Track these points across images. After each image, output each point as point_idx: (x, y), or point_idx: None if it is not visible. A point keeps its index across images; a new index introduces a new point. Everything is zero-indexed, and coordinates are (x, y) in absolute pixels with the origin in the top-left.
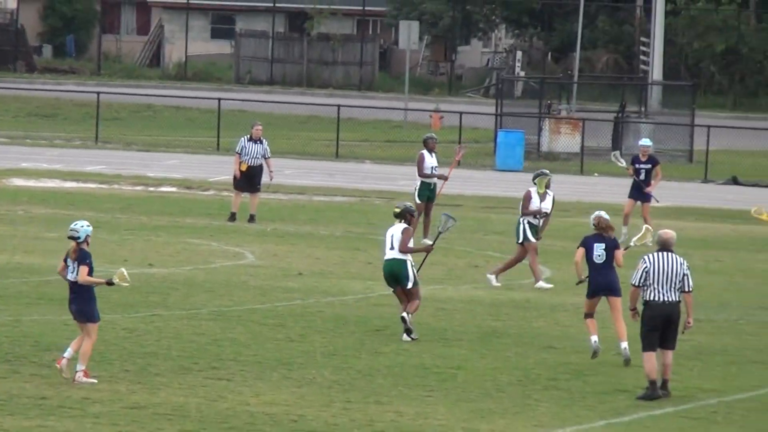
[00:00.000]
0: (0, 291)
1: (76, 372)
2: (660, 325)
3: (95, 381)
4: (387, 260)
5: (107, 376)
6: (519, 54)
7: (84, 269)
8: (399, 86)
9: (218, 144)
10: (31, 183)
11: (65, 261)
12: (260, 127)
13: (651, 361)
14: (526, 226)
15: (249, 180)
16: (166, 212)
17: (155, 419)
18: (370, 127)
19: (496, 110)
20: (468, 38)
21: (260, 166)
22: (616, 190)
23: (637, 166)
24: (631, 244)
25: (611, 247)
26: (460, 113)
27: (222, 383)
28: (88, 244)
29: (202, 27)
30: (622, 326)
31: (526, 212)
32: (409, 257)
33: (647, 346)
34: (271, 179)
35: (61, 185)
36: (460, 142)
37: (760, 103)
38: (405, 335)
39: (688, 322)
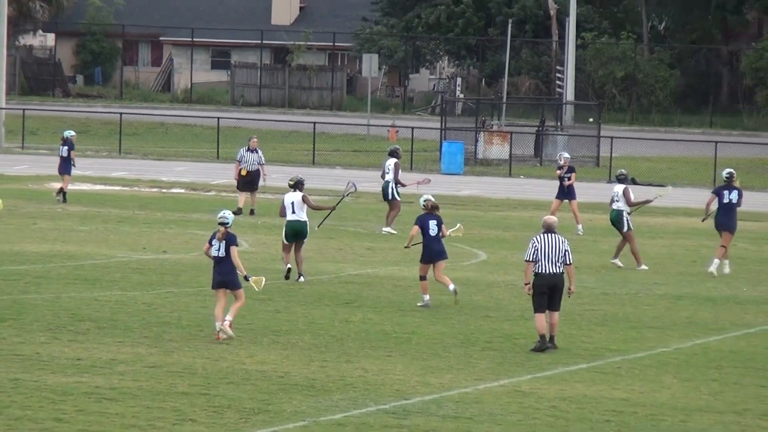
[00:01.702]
0: (43, 273)
1: (225, 320)
2: (547, 291)
3: (233, 335)
4: (291, 221)
5: (130, 342)
6: (459, 80)
7: (235, 249)
8: (363, 106)
9: (218, 154)
10: (68, 186)
11: (210, 242)
12: (255, 140)
13: (541, 320)
14: (629, 218)
15: (249, 182)
16: (176, 209)
17: (169, 376)
18: (340, 139)
19: (441, 125)
20: (418, 67)
21: (257, 171)
22: (538, 189)
23: (560, 173)
24: (449, 234)
25: (439, 223)
26: (412, 128)
27: (222, 346)
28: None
29: (204, 60)
30: (446, 278)
31: (632, 204)
32: (308, 219)
33: (537, 308)
34: (264, 181)
35: (91, 188)
36: (412, 151)
37: (652, 118)
38: (300, 278)
39: (570, 289)
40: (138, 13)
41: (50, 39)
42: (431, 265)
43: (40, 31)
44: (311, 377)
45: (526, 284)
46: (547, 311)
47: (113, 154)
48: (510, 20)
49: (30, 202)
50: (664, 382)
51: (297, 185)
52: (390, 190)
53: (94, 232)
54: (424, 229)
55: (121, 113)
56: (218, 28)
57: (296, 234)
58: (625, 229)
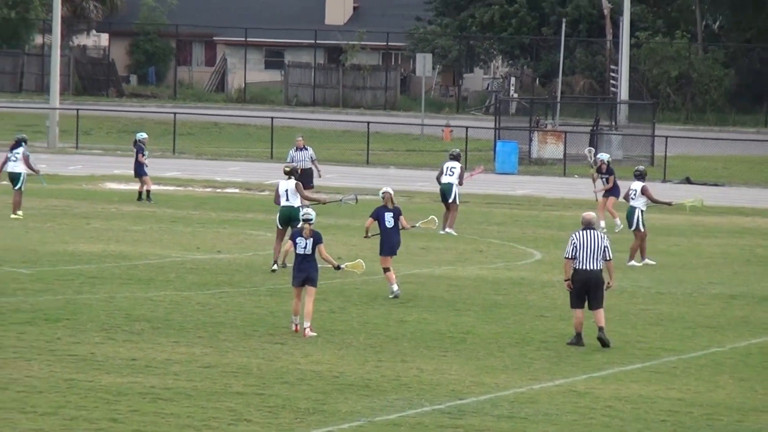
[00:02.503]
0: (97, 273)
1: (305, 328)
2: (585, 288)
3: (316, 334)
4: (285, 207)
5: (185, 342)
6: (513, 79)
7: (322, 246)
8: (416, 106)
9: (272, 154)
10: (121, 186)
11: (293, 240)
12: (300, 138)
13: (578, 316)
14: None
15: (304, 179)
16: (230, 209)
17: (224, 376)
18: (393, 139)
19: (495, 125)
20: (472, 67)
21: (310, 169)
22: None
23: (595, 176)
24: (418, 225)
25: (396, 214)
26: (466, 128)
27: (277, 346)
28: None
29: (257, 60)
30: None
31: (654, 201)
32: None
33: (574, 304)
34: (319, 176)
35: (145, 188)
36: (466, 151)
37: (707, 117)
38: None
39: (609, 284)
40: (191, 12)
41: (104, 39)
42: (391, 257)
43: (94, 32)
44: (366, 377)
45: (565, 280)
46: (587, 308)
47: (167, 154)
48: (564, 20)
49: (84, 202)
50: (720, 381)
51: (292, 173)
52: (453, 193)
53: (148, 232)
54: (380, 221)
55: (174, 113)
56: (272, 27)
57: (289, 219)
58: (633, 227)
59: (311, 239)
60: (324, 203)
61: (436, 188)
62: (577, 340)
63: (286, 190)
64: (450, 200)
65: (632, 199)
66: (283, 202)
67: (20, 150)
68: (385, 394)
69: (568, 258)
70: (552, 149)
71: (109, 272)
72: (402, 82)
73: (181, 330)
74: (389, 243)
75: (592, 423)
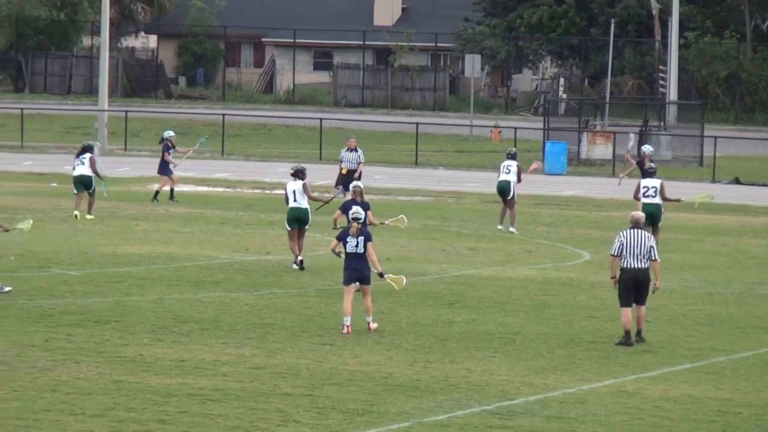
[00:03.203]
0: (146, 275)
1: (368, 322)
2: (632, 287)
3: (377, 325)
4: (293, 208)
5: (233, 343)
6: (561, 80)
7: (371, 245)
8: (465, 107)
9: (320, 155)
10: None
11: (341, 239)
12: (353, 139)
13: (626, 314)
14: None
15: (348, 180)
16: (279, 210)
17: (272, 377)
18: (442, 140)
19: (544, 125)
20: (520, 68)
21: (356, 170)
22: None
23: (632, 161)
24: (387, 222)
25: (365, 208)
26: (515, 128)
27: (326, 347)
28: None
29: (306, 61)
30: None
31: (666, 200)
32: (309, 206)
33: (623, 302)
34: (359, 178)
35: (194, 189)
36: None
37: (756, 118)
38: (296, 266)
39: (656, 284)
40: (240, 14)
41: (152, 41)
42: None
43: (142, 33)
44: (415, 378)
45: (612, 278)
46: (634, 305)
47: (216, 156)
48: (613, 20)
49: (132, 203)
50: None
51: (297, 174)
52: (511, 191)
53: (196, 233)
54: (348, 213)
55: (223, 114)
56: (320, 29)
57: (298, 220)
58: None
59: (361, 237)
60: (328, 202)
61: (485, 189)
62: (626, 339)
63: (294, 191)
64: (509, 197)
65: (651, 197)
66: (291, 203)
67: (87, 155)
68: (433, 395)
69: (614, 255)
70: (601, 150)
71: (158, 274)
72: (451, 83)
73: (230, 331)
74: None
75: (641, 423)
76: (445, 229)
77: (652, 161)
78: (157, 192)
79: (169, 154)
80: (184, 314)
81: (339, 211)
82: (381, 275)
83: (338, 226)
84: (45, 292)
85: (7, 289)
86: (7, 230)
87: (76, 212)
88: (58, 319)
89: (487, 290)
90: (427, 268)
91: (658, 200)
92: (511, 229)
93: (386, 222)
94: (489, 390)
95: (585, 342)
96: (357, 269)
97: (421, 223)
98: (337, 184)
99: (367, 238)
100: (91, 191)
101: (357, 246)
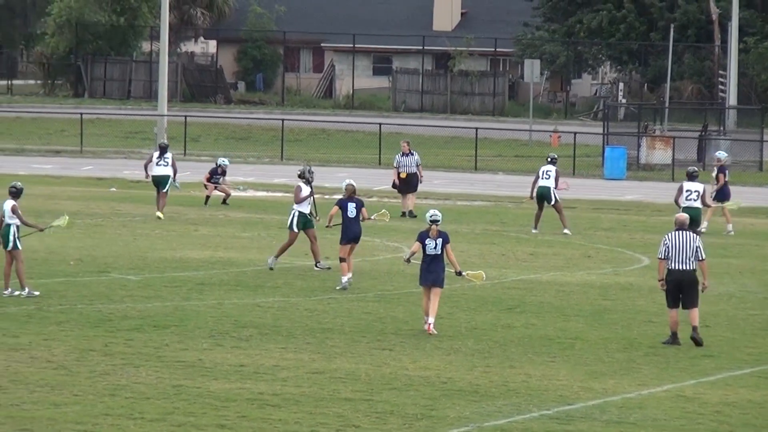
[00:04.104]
0: (205, 280)
1: (429, 324)
2: (678, 288)
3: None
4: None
5: (293, 348)
6: (621, 85)
7: (450, 246)
8: (525, 112)
9: (379, 160)
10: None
11: (422, 241)
12: (405, 143)
13: (673, 316)
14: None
15: (407, 185)
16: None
17: (332, 382)
18: (502, 145)
19: (603, 130)
20: (580, 73)
21: (414, 174)
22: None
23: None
24: (372, 217)
25: (359, 206)
26: (574, 133)
27: (385, 352)
28: None
29: (365, 66)
30: (351, 262)
31: (705, 205)
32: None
33: (669, 304)
34: (420, 181)
35: (253, 194)
36: (574, 157)
37: None
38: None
39: (704, 284)
40: (299, 19)
41: (211, 46)
42: (350, 247)
43: (202, 38)
44: (474, 383)
45: (659, 280)
46: (681, 308)
47: (275, 161)
48: (672, 25)
49: (192, 208)
50: None
51: (302, 176)
52: (552, 196)
53: (256, 238)
54: (344, 210)
55: (282, 120)
56: (380, 34)
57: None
58: (703, 228)
59: (440, 239)
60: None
61: None
62: (673, 340)
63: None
64: (552, 203)
65: (694, 201)
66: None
67: (170, 155)
68: (493, 400)
69: (661, 258)
70: (660, 155)
71: (217, 278)
72: (510, 87)
73: (289, 336)
74: (349, 232)
75: (700, 428)
76: (505, 233)
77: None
78: (208, 198)
79: (216, 180)
80: (243, 319)
81: (335, 207)
82: (459, 274)
83: (332, 224)
84: (104, 296)
85: (36, 293)
86: (42, 230)
87: (158, 214)
88: (117, 324)
89: (547, 295)
90: (486, 272)
91: (699, 204)
92: (565, 231)
93: (372, 217)
94: (548, 395)
95: (644, 347)
96: (434, 271)
97: (481, 227)
98: (398, 189)
99: (445, 240)
100: (165, 191)
101: (435, 248)
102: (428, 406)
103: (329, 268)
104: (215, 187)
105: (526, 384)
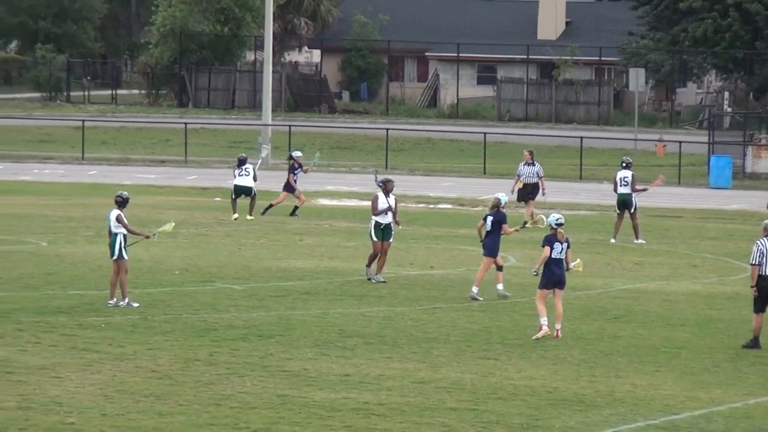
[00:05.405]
0: (310, 289)
1: (557, 329)
2: (765, 293)
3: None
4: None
5: (398, 357)
6: (726, 94)
7: (569, 250)
8: (629, 121)
9: (484, 169)
10: (334, 202)
11: (549, 244)
12: (528, 153)
13: (756, 321)
14: None
15: (527, 194)
16: (443, 224)
17: (437, 391)
18: (607, 154)
19: (709, 139)
20: (685, 81)
21: (535, 184)
22: None
23: None
24: (527, 225)
25: (499, 219)
26: (680, 142)
27: (491, 362)
28: None
29: (470, 75)
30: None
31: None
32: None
33: (755, 309)
34: (543, 195)
35: (358, 203)
36: (680, 165)
37: None
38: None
39: None
40: (403, 28)
41: (315, 55)
42: (488, 261)
43: (306, 48)
44: (580, 392)
45: (752, 287)
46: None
47: (379, 170)
48: None
49: (296, 218)
50: None
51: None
52: (634, 203)
53: (360, 248)
54: (486, 224)
55: (387, 129)
56: (484, 43)
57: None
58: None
59: (565, 243)
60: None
61: (649, 203)
62: (754, 343)
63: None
64: (632, 210)
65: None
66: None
67: (250, 166)
68: (598, 410)
69: (753, 264)
70: (766, 163)
71: (322, 288)
72: (615, 96)
73: (394, 346)
74: (492, 244)
75: None
76: (610, 243)
77: None
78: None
79: (296, 174)
80: (348, 328)
81: (481, 221)
82: (567, 269)
83: (483, 240)
84: (209, 306)
85: (135, 305)
86: (148, 236)
87: (235, 216)
88: (222, 334)
89: (652, 304)
90: (592, 282)
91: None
92: (639, 240)
93: (527, 224)
94: (654, 404)
95: (750, 356)
96: (557, 273)
97: (586, 237)
98: (518, 198)
99: (569, 244)
100: (252, 195)
101: (561, 251)
102: (533, 416)
103: (385, 282)
104: (285, 197)
105: (631, 393)
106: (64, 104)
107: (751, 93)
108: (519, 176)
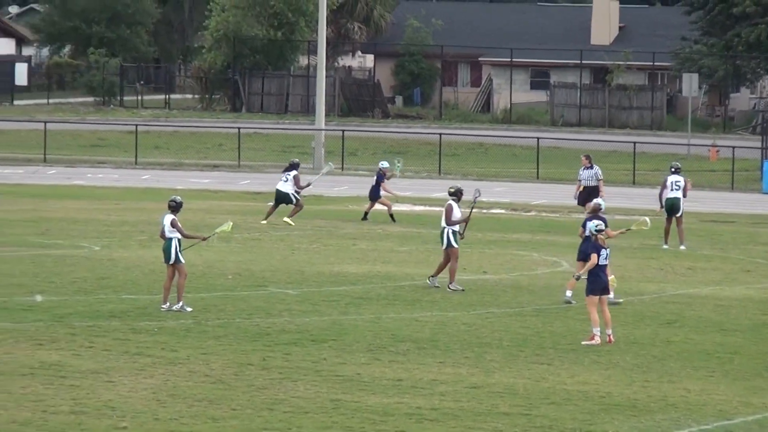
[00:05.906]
0: (363, 294)
1: (608, 334)
2: None
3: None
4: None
5: (451, 362)
6: None
7: (608, 229)
8: (683, 126)
9: (537, 174)
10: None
11: (596, 252)
12: (584, 157)
13: None
14: None
15: (587, 198)
16: (496, 229)
17: (490, 396)
18: (660, 159)
19: (762, 144)
20: (738, 87)
21: (595, 187)
22: None
23: None
24: (632, 227)
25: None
26: (733, 147)
27: (543, 367)
28: None
29: (523, 80)
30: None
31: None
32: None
33: None
34: (602, 198)
35: (411, 208)
36: (733, 171)
37: None
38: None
39: None
40: (456, 33)
41: (369, 60)
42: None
43: (359, 53)
44: (633, 397)
45: None
46: None
47: (433, 175)
48: None
49: (349, 223)
50: None
51: (456, 194)
52: (681, 208)
53: (414, 252)
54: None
55: (440, 134)
56: (537, 48)
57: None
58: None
59: (609, 248)
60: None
61: (702, 208)
62: None
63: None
64: (679, 215)
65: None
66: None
67: (293, 172)
68: (651, 414)
69: None
70: None
71: (375, 293)
72: (668, 102)
73: (446, 350)
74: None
75: None
76: (663, 248)
77: None
78: (391, 215)
79: (384, 182)
80: (401, 333)
81: (580, 229)
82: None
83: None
84: (262, 310)
85: (188, 309)
86: (204, 239)
87: (264, 221)
88: (275, 338)
89: (705, 309)
90: (645, 287)
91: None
92: (682, 246)
93: (632, 227)
94: (707, 410)
95: None
96: (604, 279)
97: (639, 242)
98: (578, 202)
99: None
100: (294, 203)
101: (606, 258)
102: (587, 421)
103: (463, 290)
104: (373, 204)
105: (684, 399)
106: (118, 109)
107: None
108: (580, 181)
